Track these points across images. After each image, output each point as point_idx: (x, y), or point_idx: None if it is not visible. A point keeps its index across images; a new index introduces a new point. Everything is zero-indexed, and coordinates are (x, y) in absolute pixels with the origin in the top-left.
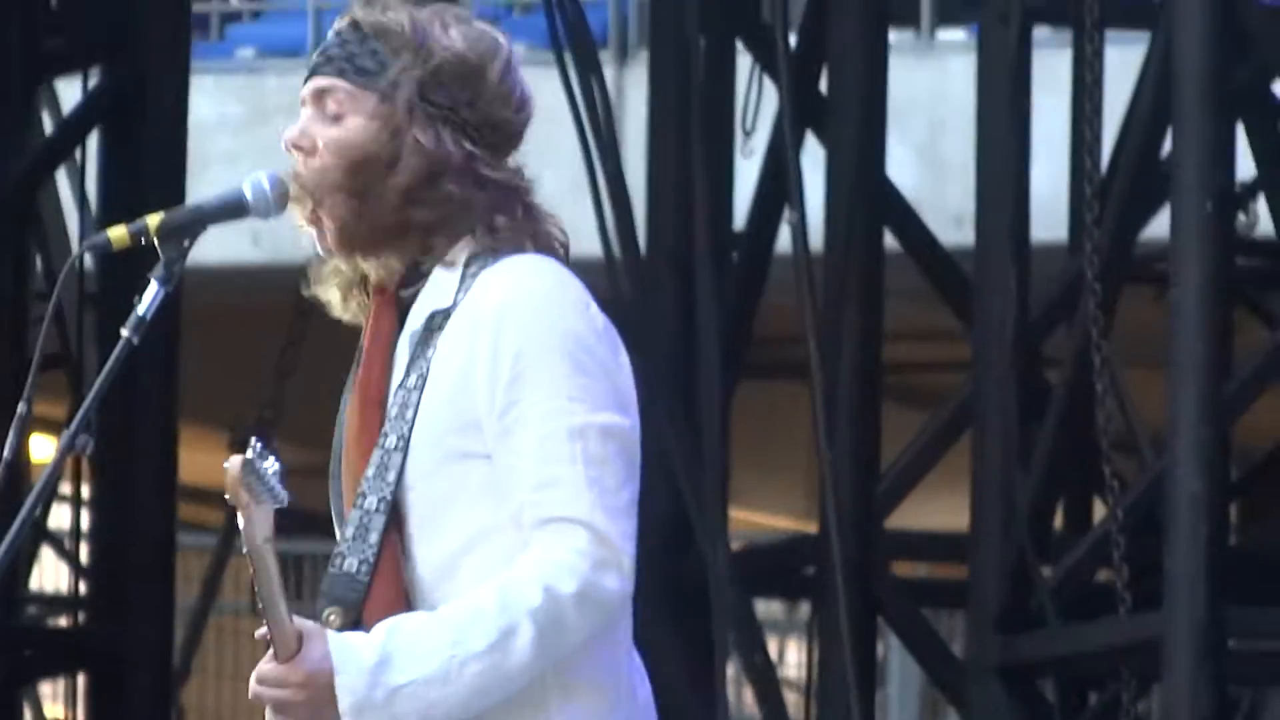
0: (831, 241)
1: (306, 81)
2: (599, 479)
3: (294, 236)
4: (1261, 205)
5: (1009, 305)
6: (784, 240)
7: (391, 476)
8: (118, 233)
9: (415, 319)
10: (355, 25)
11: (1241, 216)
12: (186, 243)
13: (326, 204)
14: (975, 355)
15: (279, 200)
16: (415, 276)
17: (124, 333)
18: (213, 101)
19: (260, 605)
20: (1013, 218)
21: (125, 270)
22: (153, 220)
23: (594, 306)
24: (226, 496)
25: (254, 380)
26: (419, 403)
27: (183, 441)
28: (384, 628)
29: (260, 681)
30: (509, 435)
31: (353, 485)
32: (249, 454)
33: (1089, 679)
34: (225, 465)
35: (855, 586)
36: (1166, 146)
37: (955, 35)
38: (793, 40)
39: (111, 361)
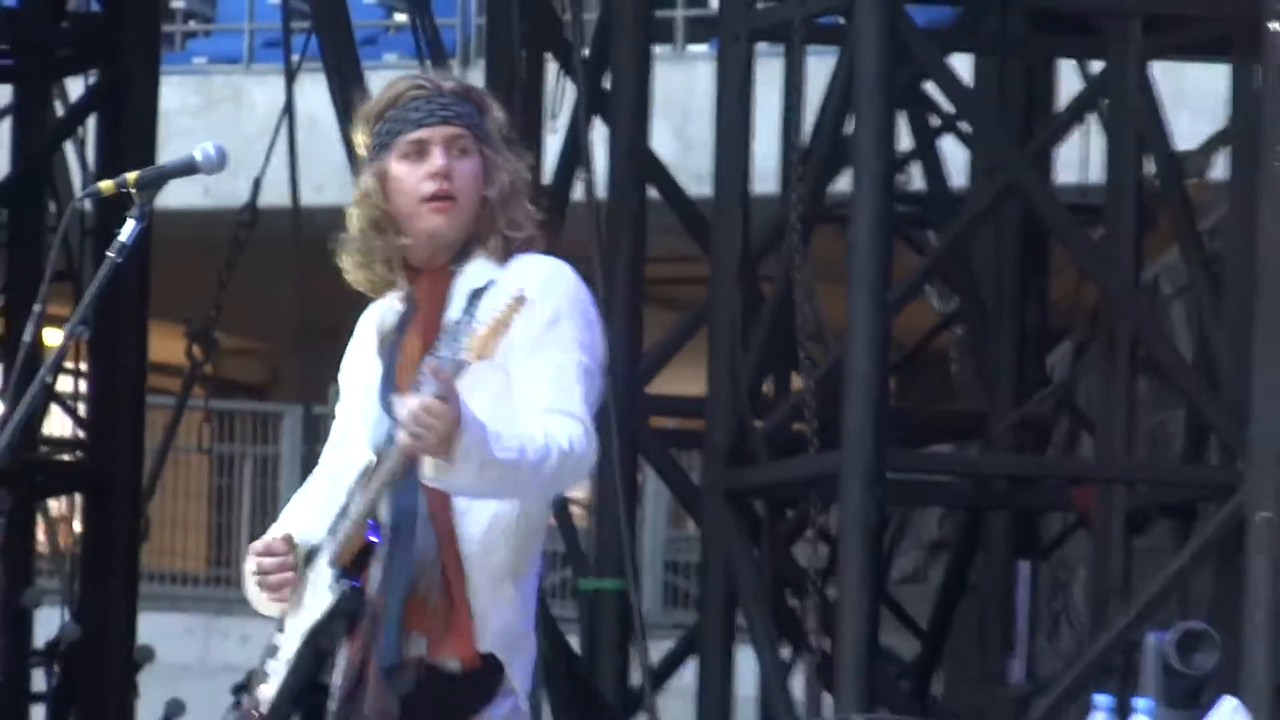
0: (612, 192)
1: (425, 127)
2: (587, 398)
3: (233, 188)
4: (915, 168)
5: (736, 238)
6: (579, 190)
7: None
8: (106, 185)
9: (465, 286)
10: (456, 92)
11: (900, 176)
12: (155, 191)
13: (461, 214)
14: (712, 274)
15: (220, 162)
16: (464, 257)
17: (109, 255)
18: (175, 94)
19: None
20: (740, 177)
21: (113, 211)
22: (131, 176)
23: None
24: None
25: (201, 290)
26: (469, 330)
27: (151, 330)
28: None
29: (428, 411)
30: (540, 351)
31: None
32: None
33: (788, 500)
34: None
35: (625, 434)
36: (849, 127)
37: (701, 48)
38: (586, 52)
39: (101, 274)
